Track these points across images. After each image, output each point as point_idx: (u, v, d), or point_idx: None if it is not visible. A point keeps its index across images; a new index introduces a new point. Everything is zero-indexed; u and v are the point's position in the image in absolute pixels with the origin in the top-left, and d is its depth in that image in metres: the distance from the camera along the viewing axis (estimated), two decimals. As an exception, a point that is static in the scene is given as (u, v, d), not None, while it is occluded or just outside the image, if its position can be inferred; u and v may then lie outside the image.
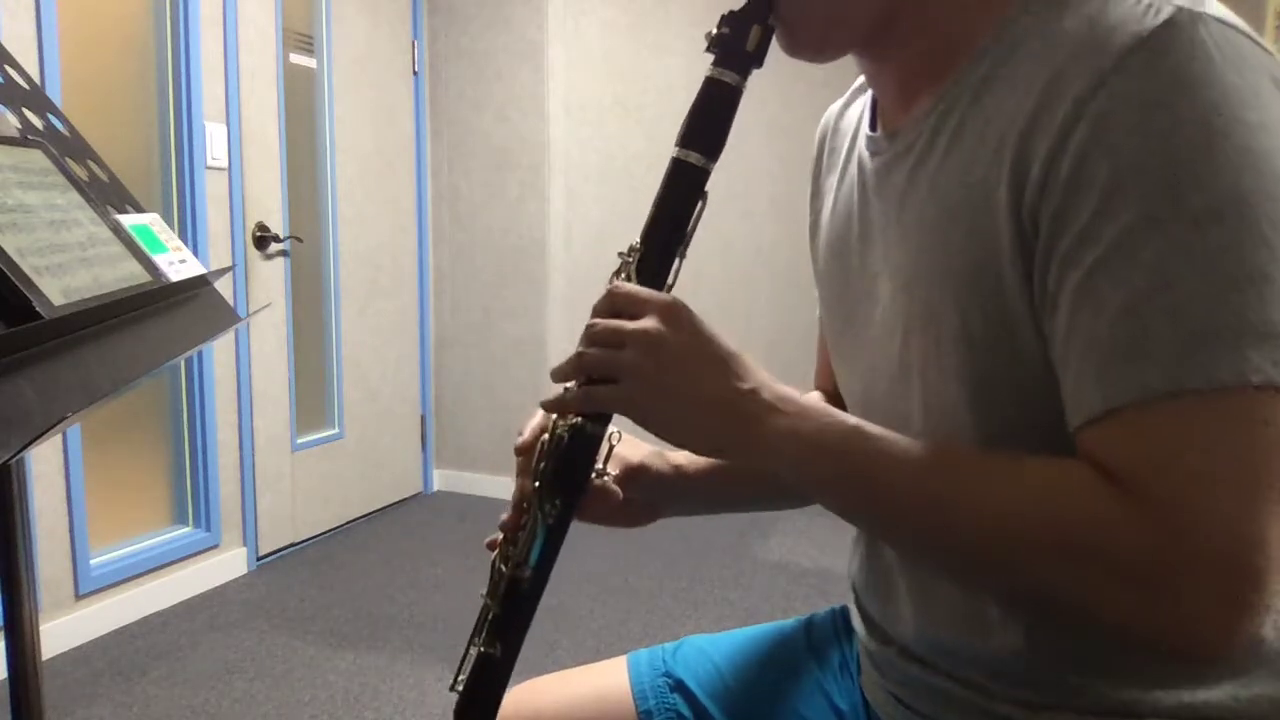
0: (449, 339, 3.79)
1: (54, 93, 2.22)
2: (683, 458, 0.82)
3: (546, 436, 0.67)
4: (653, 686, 0.83)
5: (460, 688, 0.69)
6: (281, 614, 2.60)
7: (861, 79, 0.78)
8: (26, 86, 1.05)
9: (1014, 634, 0.62)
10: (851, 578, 0.80)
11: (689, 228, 0.65)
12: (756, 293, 3.75)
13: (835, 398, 0.87)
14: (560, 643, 2.41)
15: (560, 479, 0.66)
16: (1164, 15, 0.51)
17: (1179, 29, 0.50)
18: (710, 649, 0.87)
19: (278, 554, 3.05)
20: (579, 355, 0.61)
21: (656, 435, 0.60)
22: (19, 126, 0.97)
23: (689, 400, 0.59)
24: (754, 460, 0.60)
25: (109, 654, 2.34)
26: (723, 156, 0.66)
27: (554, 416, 0.67)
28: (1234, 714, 0.58)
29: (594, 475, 0.71)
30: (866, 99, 0.76)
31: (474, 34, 3.60)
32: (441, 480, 3.85)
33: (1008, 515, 0.53)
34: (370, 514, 3.49)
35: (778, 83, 3.56)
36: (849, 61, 0.70)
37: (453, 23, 3.62)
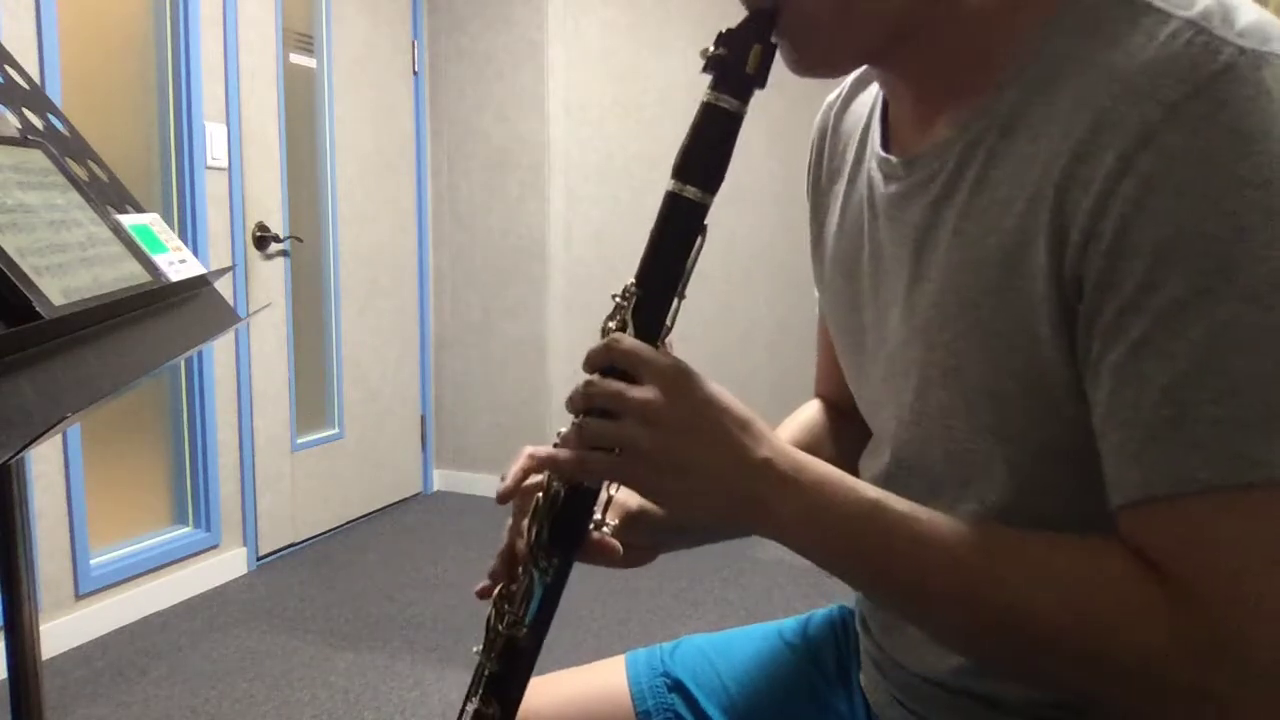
0: (449, 339, 3.79)
1: (54, 93, 2.22)
2: None
3: (541, 494, 0.63)
4: (651, 686, 0.83)
5: None
6: (281, 614, 2.60)
7: (861, 69, 0.74)
8: (26, 86, 1.05)
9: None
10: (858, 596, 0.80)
11: (688, 266, 0.59)
12: (756, 293, 3.75)
13: (835, 407, 0.86)
14: (559, 642, 2.41)
15: (556, 537, 0.62)
16: (1223, 59, 0.45)
17: (1239, 75, 0.45)
18: (708, 649, 0.87)
19: (278, 554, 3.05)
20: (578, 427, 0.57)
21: (661, 509, 0.57)
22: (19, 126, 0.97)
23: (693, 476, 0.54)
24: (761, 534, 0.56)
25: (109, 654, 2.34)
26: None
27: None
28: None
29: (592, 526, 0.67)
30: (870, 96, 0.71)
31: (474, 34, 3.60)
32: (441, 480, 3.85)
33: (1039, 612, 0.50)
34: (370, 514, 3.49)
35: (778, 81, 3.55)
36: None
37: (453, 23, 3.62)
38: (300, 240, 3.07)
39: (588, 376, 0.57)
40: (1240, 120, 0.44)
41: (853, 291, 0.70)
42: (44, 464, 2.26)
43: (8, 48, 1.08)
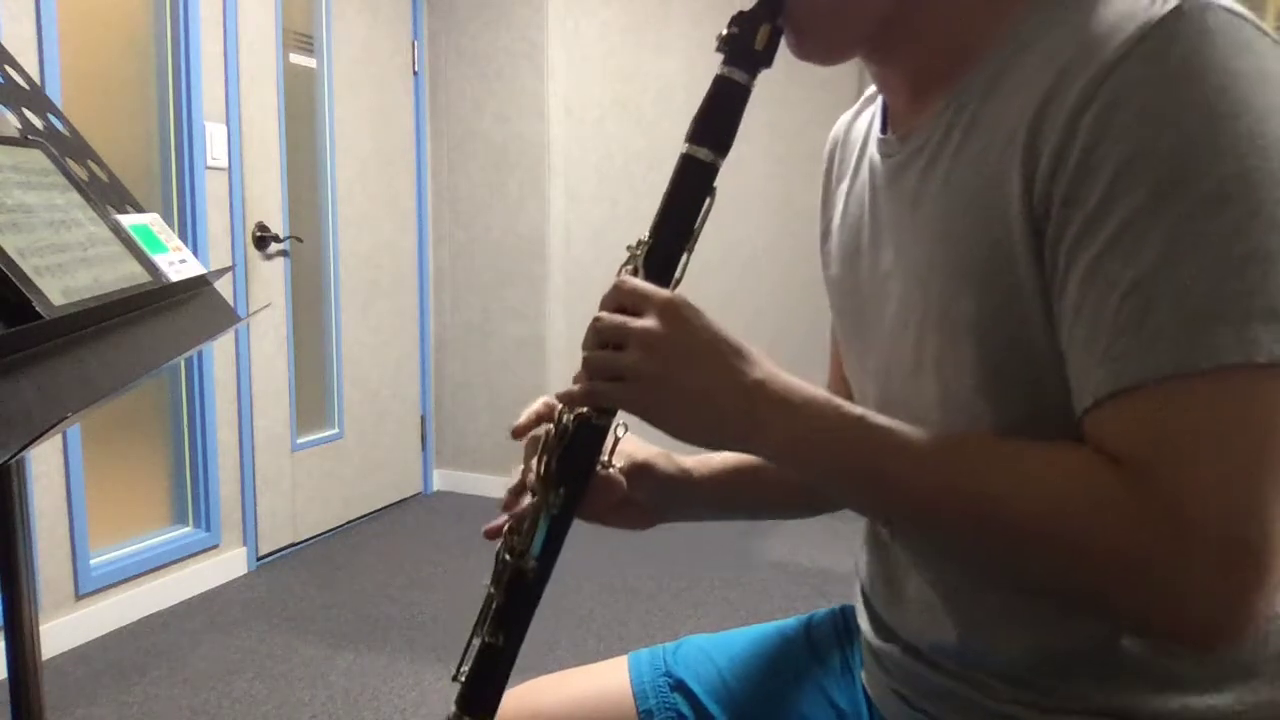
0: (449, 339, 3.79)
1: (54, 93, 2.22)
2: (691, 461, 0.81)
3: (551, 426, 0.68)
4: (653, 686, 0.83)
5: (462, 678, 0.69)
6: (281, 614, 2.60)
7: (872, 89, 0.78)
8: (26, 86, 1.05)
9: (1020, 638, 0.62)
10: (859, 576, 0.80)
11: (697, 223, 0.65)
12: (756, 294, 3.75)
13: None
14: (560, 643, 2.41)
15: (564, 469, 0.66)
16: (1171, 3, 0.51)
17: (1187, 17, 0.51)
18: (711, 648, 0.87)
19: (278, 554, 3.05)
20: (585, 360, 0.62)
21: (663, 431, 0.61)
22: (19, 126, 0.97)
23: (691, 396, 0.59)
24: (757, 453, 0.61)
25: (109, 654, 2.34)
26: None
27: (560, 407, 0.68)
28: (1239, 719, 0.58)
29: (599, 468, 0.71)
30: (876, 107, 0.76)
31: (474, 34, 3.60)
32: (441, 480, 3.85)
33: (1005, 499, 0.54)
34: (370, 514, 3.49)
35: (777, 85, 3.55)
36: (849, 66, 0.69)
37: (453, 23, 3.62)
38: (300, 240, 3.07)
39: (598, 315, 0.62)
40: (1188, 54, 0.50)
41: (853, 272, 0.75)
42: (44, 464, 2.26)
43: (8, 48, 1.08)
